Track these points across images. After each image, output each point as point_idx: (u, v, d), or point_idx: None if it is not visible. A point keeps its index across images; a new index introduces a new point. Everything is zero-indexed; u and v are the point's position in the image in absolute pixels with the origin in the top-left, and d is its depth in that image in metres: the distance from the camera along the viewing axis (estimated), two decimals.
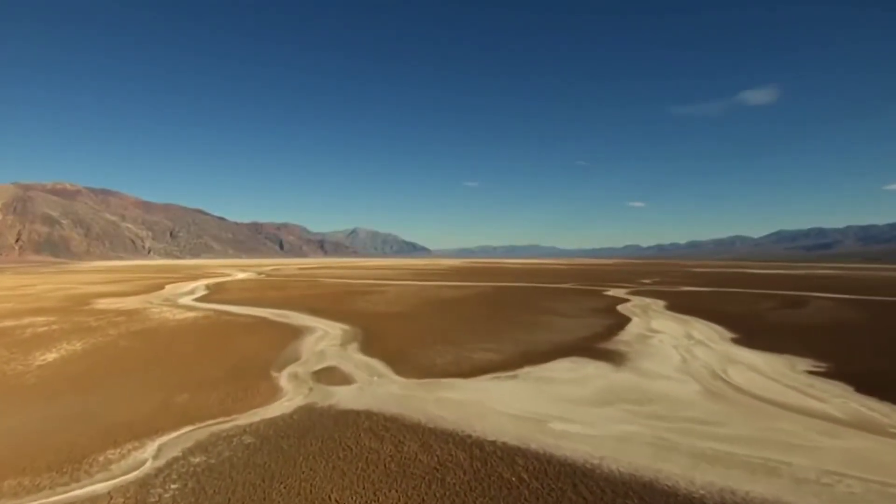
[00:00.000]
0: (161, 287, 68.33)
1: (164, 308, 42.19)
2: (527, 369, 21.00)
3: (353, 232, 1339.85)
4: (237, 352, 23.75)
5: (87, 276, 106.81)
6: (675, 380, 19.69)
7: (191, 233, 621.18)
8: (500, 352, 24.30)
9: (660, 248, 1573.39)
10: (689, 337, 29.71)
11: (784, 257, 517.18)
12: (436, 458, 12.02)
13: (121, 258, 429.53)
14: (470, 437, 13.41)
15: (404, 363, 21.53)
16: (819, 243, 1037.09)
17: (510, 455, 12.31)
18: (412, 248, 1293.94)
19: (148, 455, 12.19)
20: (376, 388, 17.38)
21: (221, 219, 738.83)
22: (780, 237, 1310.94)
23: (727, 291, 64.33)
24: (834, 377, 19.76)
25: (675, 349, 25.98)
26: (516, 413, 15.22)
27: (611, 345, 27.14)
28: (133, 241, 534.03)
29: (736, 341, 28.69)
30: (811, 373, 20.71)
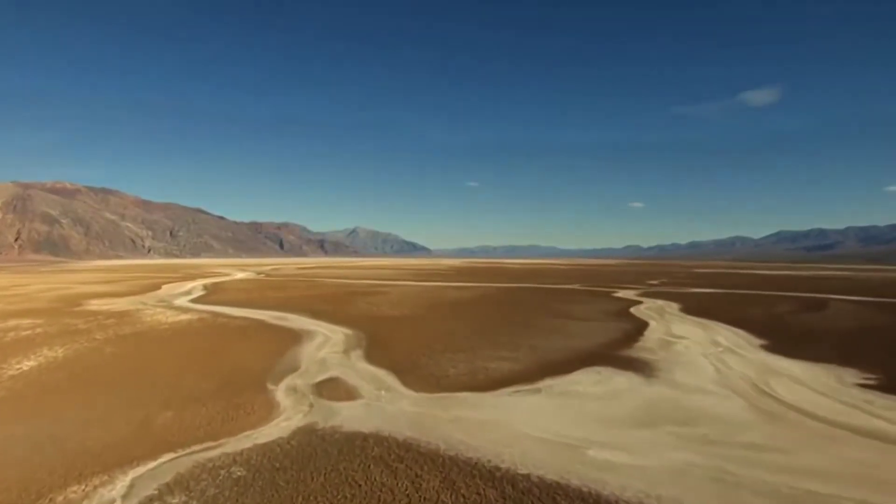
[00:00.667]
0: (158, 287, 66.33)
1: (158, 310, 40.25)
2: (549, 381, 19.12)
3: (354, 231, 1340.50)
4: (231, 360, 21.75)
5: (84, 275, 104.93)
6: (715, 394, 17.72)
7: (191, 232, 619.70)
8: (516, 360, 22.38)
9: (660, 248, 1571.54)
10: (716, 343, 27.83)
11: (786, 258, 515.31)
12: (462, 500, 10.13)
13: (120, 257, 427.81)
14: (499, 469, 11.55)
15: (414, 374, 19.52)
16: (820, 244, 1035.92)
17: (550, 494, 10.37)
18: (412, 248, 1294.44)
19: (116, 494, 10.21)
20: (385, 405, 15.43)
21: (221, 218, 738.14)
22: (780, 238, 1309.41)
23: (739, 293, 62.43)
24: (892, 392, 17.96)
25: (704, 357, 24.09)
26: (547, 437, 13.24)
27: (634, 352, 25.19)
28: (133, 241, 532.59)
29: (766, 348, 26.83)
30: (864, 386, 18.79)
